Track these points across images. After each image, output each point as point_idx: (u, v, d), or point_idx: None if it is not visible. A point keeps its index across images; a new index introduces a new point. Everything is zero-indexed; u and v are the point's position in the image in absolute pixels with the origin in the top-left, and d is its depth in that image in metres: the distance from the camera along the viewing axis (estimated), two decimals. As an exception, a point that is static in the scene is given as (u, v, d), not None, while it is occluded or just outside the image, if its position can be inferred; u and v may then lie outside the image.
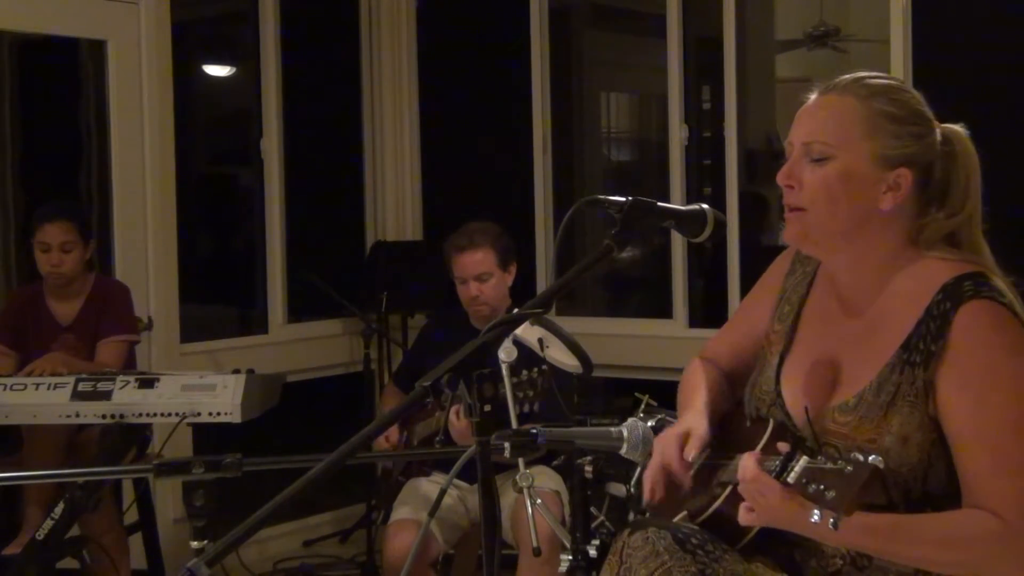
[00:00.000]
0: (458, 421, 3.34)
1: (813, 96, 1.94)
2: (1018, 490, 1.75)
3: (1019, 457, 1.76)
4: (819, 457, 1.69)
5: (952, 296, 1.82)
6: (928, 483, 1.83)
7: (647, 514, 2.17)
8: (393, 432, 3.84)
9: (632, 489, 2.44)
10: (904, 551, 1.79)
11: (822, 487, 1.64)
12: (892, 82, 1.94)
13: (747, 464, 1.77)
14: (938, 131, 1.91)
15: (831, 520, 1.62)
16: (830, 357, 1.95)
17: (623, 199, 1.86)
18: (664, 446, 2.04)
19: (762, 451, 1.88)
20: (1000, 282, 1.86)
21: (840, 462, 1.65)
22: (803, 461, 1.70)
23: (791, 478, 1.70)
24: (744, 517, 1.81)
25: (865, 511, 1.69)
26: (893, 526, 1.76)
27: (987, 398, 1.78)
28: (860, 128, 1.87)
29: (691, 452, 2.00)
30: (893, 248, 1.91)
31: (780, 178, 1.92)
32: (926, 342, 1.82)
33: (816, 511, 1.64)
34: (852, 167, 1.86)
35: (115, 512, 3.96)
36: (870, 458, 1.63)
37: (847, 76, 1.94)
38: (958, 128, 1.95)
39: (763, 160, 5.01)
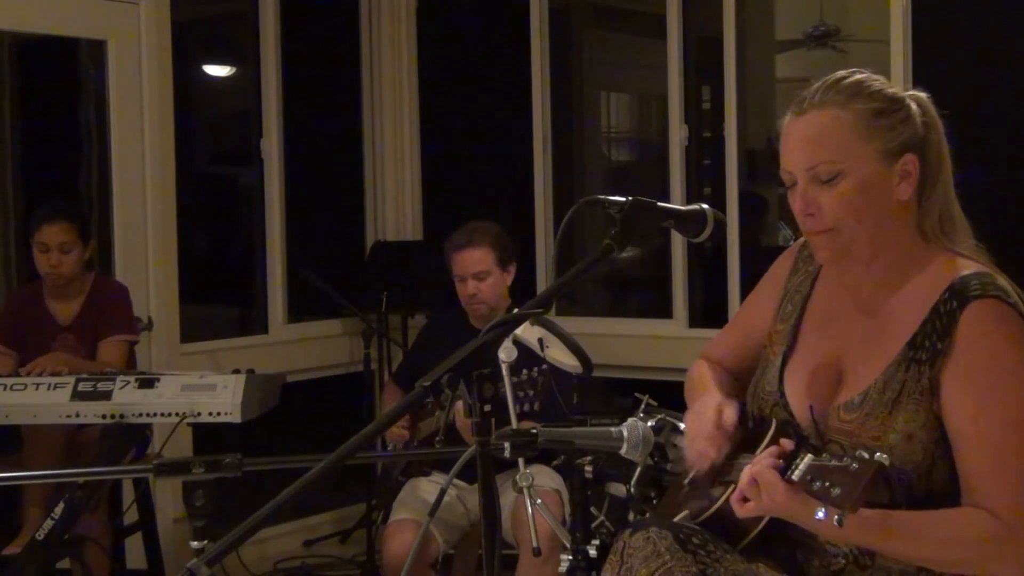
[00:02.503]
0: (463, 418, 3.34)
1: (788, 119, 1.91)
2: (1017, 491, 1.75)
3: (1019, 457, 1.76)
4: (824, 454, 1.70)
5: (959, 295, 1.82)
6: (932, 481, 1.83)
7: (647, 514, 2.17)
8: (404, 421, 3.83)
9: (632, 489, 2.44)
10: (903, 548, 1.80)
11: (827, 484, 1.64)
12: (858, 76, 1.91)
13: (760, 459, 1.77)
14: (913, 104, 1.90)
15: (836, 517, 1.62)
16: (834, 357, 1.95)
17: (623, 199, 1.86)
18: (702, 421, 2.03)
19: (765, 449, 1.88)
20: (1004, 280, 1.86)
21: (845, 459, 1.65)
22: (808, 458, 1.71)
23: (796, 475, 1.71)
24: (739, 509, 1.81)
25: (867, 508, 1.69)
26: (893, 523, 1.76)
27: (990, 397, 1.78)
28: (855, 136, 1.85)
29: (729, 419, 2.00)
30: (908, 244, 1.90)
31: (798, 210, 1.89)
32: (932, 340, 1.82)
33: (821, 508, 1.64)
34: (865, 175, 1.85)
35: (107, 514, 3.95)
36: (875, 455, 1.63)
37: (815, 87, 1.90)
38: (922, 94, 1.93)
39: (763, 160, 5.01)
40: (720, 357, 2.23)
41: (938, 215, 1.91)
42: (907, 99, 1.91)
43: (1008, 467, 1.76)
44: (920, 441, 1.82)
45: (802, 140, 1.89)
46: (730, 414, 2.01)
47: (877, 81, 1.91)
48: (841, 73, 1.92)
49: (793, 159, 1.89)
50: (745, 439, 1.99)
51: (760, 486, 1.75)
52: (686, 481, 2.08)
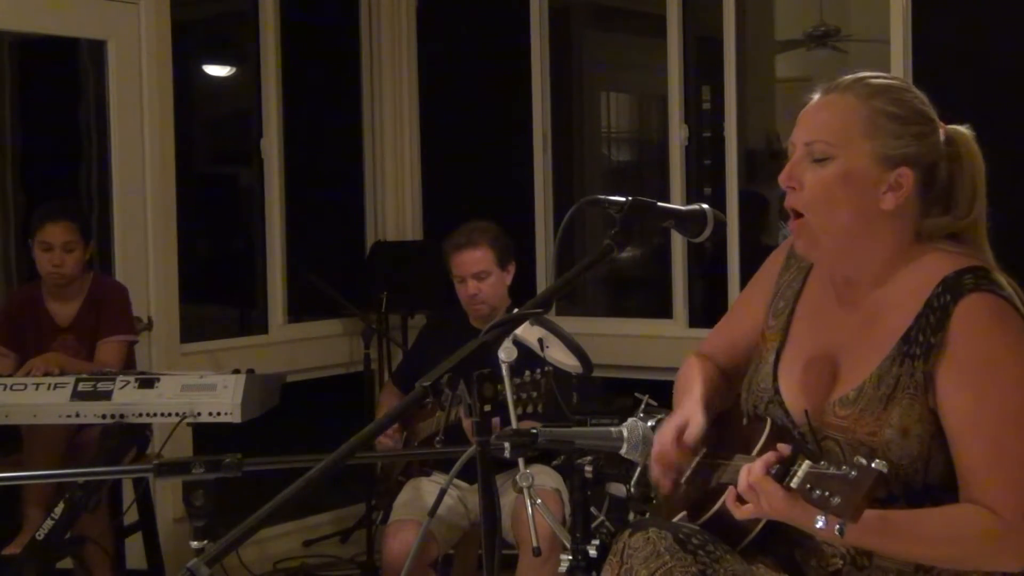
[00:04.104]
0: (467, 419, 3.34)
1: (816, 96, 1.94)
2: (1014, 486, 1.75)
3: (1016, 452, 1.76)
4: (822, 462, 1.69)
5: (952, 289, 1.82)
6: (929, 475, 1.83)
7: (647, 514, 2.17)
8: (393, 430, 3.83)
9: (632, 489, 2.44)
10: (903, 548, 1.80)
11: (826, 493, 1.63)
12: (895, 82, 1.93)
13: (754, 467, 1.77)
14: (942, 132, 1.91)
15: (837, 527, 1.61)
16: (827, 351, 1.95)
17: (623, 199, 1.86)
18: (662, 437, 2.04)
19: (760, 451, 1.88)
20: (1001, 276, 1.86)
21: (844, 467, 1.64)
22: (806, 466, 1.69)
23: (794, 483, 1.70)
24: (735, 510, 1.81)
25: (867, 507, 1.68)
26: (892, 524, 1.76)
27: (986, 392, 1.78)
28: (860, 127, 1.86)
29: (691, 437, 2.00)
30: (896, 247, 1.90)
31: (782, 179, 1.91)
32: (926, 335, 1.82)
33: (821, 517, 1.63)
34: (852, 167, 1.86)
35: (107, 514, 3.95)
36: (874, 463, 1.62)
37: (850, 76, 1.93)
38: (964, 129, 1.94)
39: (763, 160, 5.01)
40: (713, 352, 2.23)
41: (948, 236, 1.91)
42: (936, 123, 1.91)
43: (1005, 462, 1.76)
44: (916, 435, 1.82)
45: (812, 115, 1.92)
46: (692, 431, 2.01)
47: (911, 93, 1.92)
48: (880, 73, 1.94)
49: (799, 131, 1.92)
50: (740, 437, 1.99)
51: (759, 494, 1.75)
52: (683, 481, 2.08)
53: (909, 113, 1.88)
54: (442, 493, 2.52)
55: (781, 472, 1.72)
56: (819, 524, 1.64)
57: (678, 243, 4.88)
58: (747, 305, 2.19)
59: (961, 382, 1.79)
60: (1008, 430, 1.77)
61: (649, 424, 2.19)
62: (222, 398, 3.49)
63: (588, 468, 2.61)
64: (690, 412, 2.05)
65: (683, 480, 2.08)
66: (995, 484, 1.75)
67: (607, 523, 3.50)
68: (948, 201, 1.91)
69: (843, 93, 1.90)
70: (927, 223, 1.90)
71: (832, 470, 1.65)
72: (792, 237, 1.97)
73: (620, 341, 4.91)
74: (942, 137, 1.91)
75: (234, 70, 5.67)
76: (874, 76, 1.93)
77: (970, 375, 1.79)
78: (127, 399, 3.50)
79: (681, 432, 2.01)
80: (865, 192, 1.86)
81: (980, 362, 1.79)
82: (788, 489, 1.71)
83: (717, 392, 2.14)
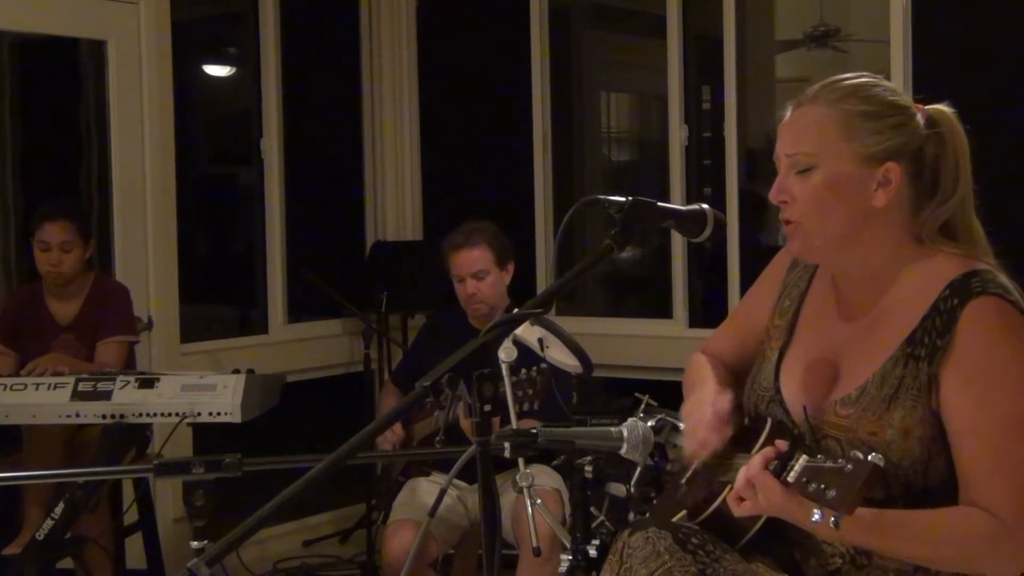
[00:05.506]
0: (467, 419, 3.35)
1: (788, 112, 1.95)
2: (1015, 489, 1.75)
3: (1018, 456, 1.76)
4: (818, 456, 1.70)
5: (959, 292, 1.82)
6: (929, 477, 1.83)
7: (647, 514, 2.17)
8: (397, 428, 3.83)
9: (632, 489, 2.44)
10: (901, 548, 1.80)
11: (822, 486, 1.64)
12: (862, 80, 1.93)
13: (752, 463, 1.77)
14: (920, 116, 1.91)
15: (832, 519, 1.62)
16: (830, 352, 1.96)
17: (623, 199, 1.86)
18: (701, 408, 2.02)
19: (759, 450, 1.88)
20: (1006, 279, 1.86)
21: (840, 460, 1.65)
22: (802, 460, 1.71)
23: (791, 477, 1.71)
24: (735, 507, 1.81)
25: (864, 505, 1.69)
26: (890, 523, 1.76)
27: (990, 396, 1.78)
28: (836, 132, 1.87)
29: (722, 406, 1.99)
30: (894, 246, 1.91)
31: (772, 195, 1.92)
32: (931, 336, 1.82)
33: (817, 510, 1.64)
34: (837, 172, 1.87)
35: (108, 514, 3.95)
36: (870, 456, 1.63)
37: (817, 84, 1.93)
38: (943, 107, 1.94)
39: (763, 160, 5.00)
40: (719, 351, 2.22)
41: (942, 227, 1.91)
42: (911, 109, 1.91)
43: (1006, 465, 1.76)
44: (917, 437, 1.82)
45: (789, 128, 1.93)
46: (722, 402, 2.01)
47: (879, 87, 1.92)
48: (847, 74, 1.94)
49: (780, 144, 1.94)
50: (741, 438, 1.99)
51: (756, 488, 1.76)
52: (683, 480, 2.08)
53: (881, 107, 1.88)
54: (442, 493, 2.53)
55: (779, 467, 1.74)
56: (815, 517, 1.64)
57: (678, 243, 4.88)
58: (753, 304, 2.19)
59: (966, 385, 1.79)
60: (1011, 434, 1.77)
61: (649, 424, 2.19)
62: (222, 398, 3.49)
63: (588, 468, 2.61)
64: (716, 390, 2.04)
65: (683, 480, 2.08)
66: (996, 487, 1.76)
67: (607, 523, 3.50)
68: (935, 186, 1.91)
69: (812, 103, 1.91)
70: (921, 220, 1.90)
71: (828, 464, 1.66)
72: (788, 244, 1.98)
73: (620, 341, 4.91)
74: (922, 120, 1.90)
75: (234, 70, 5.67)
76: (840, 79, 1.93)
77: (975, 378, 1.79)
78: (127, 399, 3.50)
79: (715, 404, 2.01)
80: (855, 194, 1.87)
81: (985, 366, 1.79)
82: (785, 483, 1.72)
83: (729, 386, 2.13)
